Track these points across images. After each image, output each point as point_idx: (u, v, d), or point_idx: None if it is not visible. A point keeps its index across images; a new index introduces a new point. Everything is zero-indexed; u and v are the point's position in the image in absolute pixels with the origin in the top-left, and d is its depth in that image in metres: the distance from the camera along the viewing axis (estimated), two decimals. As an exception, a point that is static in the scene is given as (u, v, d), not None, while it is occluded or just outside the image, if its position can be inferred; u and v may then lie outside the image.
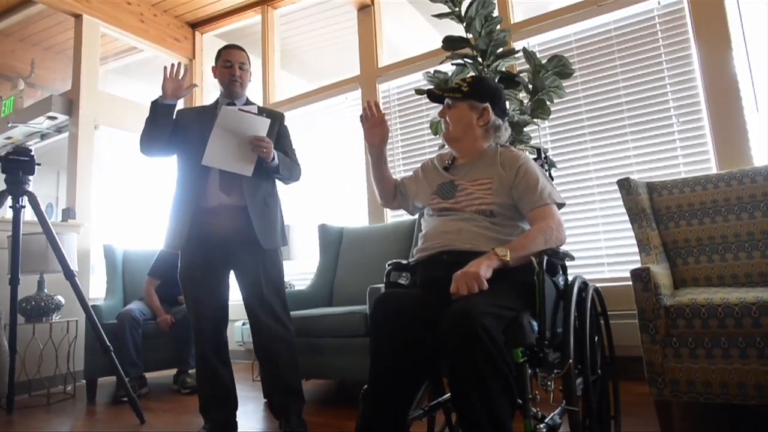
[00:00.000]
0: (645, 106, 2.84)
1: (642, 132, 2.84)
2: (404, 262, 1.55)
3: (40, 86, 5.08)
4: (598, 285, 1.55)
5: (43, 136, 4.27)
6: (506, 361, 1.12)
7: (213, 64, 2.20)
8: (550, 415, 1.25)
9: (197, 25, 4.74)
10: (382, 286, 1.55)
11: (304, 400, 2.09)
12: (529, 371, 1.20)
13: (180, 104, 2.11)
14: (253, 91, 2.27)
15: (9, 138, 4.39)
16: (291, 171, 2.16)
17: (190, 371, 3.10)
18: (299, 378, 2.12)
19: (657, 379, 1.67)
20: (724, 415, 1.91)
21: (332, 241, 3.20)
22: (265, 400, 2.65)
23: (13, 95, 4.49)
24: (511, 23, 3.23)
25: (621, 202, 2.21)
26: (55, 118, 3.93)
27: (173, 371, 3.17)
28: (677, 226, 2.16)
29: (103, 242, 3.58)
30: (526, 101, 2.53)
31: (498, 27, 2.51)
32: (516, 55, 2.58)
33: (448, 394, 1.38)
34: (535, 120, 2.53)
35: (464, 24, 2.49)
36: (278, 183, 2.22)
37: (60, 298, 3.02)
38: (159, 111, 2.00)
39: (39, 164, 2.58)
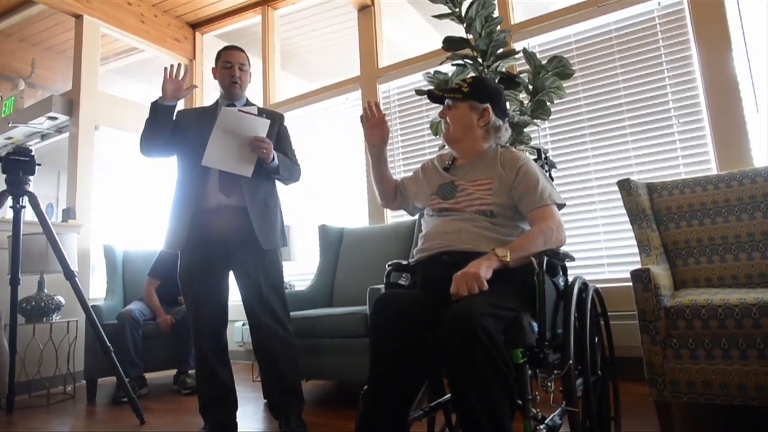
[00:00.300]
0: (645, 106, 2.84)
1: (642, 133, 2.84)
2: (404, 262, 1.55)
3: (41, 86, 5.09)
4: (598, 286, 1.55)
5: (44, 137, 4.27)
6: (506, 361, 1.12)
7: (213, 65, 2.20)
8: (550, 416, 1.25)
9: (197, 25, 4.75)
10: (382, 286, 1.55)
11: (303, 401, 2.09)
12: (529, 372, 1.20)
13: (180, 105, 2.11)
14: (253, 92, 2.28)
15: (9, 138, 4.39)
16: (291, 172, 2.16)
17: (190, 372, 3.10)
18: (299, 378, 2.12)
19: (657, 379, 1.67)
20: (724, 415, 1.91)
21: (332, 242, 3.20)
22: (265, 400, 2.65)
23: (13, 95, 4.49)
24: (511, 24, 3.23)
25: (621, 203, 2.21)
26: (55, 118, 3.94)
27: (173, 372, 3.17)
28: (677, 227, 2.16)
29: (103, 242, 3.58)
30: (526, 102, 2.53)
31: (498, 28, 2.51)
32: (516, 56, 2.58)
33: (448, 395, 1.38)
34: (536, 121, 2.53)
35: (464, 25, 2.49)
36: (278, 184, 2.22)
37: (60, 298, 3.02)
38: (159, 112, 2.00)
39: (39, 164, 2.58)
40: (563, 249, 1.39)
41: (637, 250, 2.10)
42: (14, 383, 2.66)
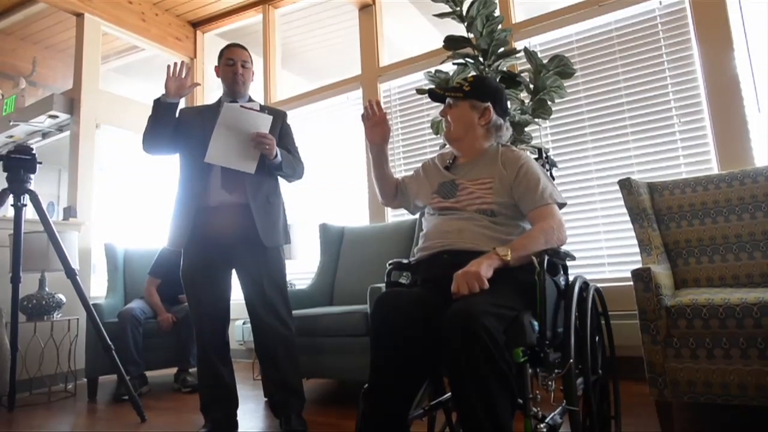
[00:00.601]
0: (646, 106, 2.84)
1: (643, 132, 2.83)
2: (405, 261, 1.55)
3: (42, 85, 5.09)
4: (599, 285, 1.55)
5: (45, 135, 4.27)
6: (507, 360, 1.12)
7: (214, 63, 2.20)
8: (551, 415, 1.24)
9: (198, 24, 4.75)
10: (382, 285, 1.55)
11: (304, 399, 2.09)
12: (530, 371, 1.20)
13: (181, 104, 2.11)
14: (254, 91, 2.28)
15: (10, 136, 4.39)
16: (294, 168, 2.16)
17: (190, 370, 3.10)
18: (300, 377, 2.12)
19: (658, 379, 1.67)
20: (724, 415, 1.91)
21: (333, 241, 3.20)
22: (266, 399, 2.66)
23: (14, 94, 4.49)
24: (512, 23, 3.22)
25: (622, 202, 2.20)
26: (56, 116, 3.94)
27: (174, 370, 3.17)
28: (678, 227, 2.16)
29: (104, 241, 3.58)
30: (527, 101, 2.53)
31: (499, 27, 2.51)
32: (517, 55, 2.58)
33: (449, 394, 1.38)
34: (537, 120, 2.53)
35: (465, 24, 2.49)
36: (281, 181, 2.22)
37: (61, 296, 3.03)
38: (162, 109, 2.00)
39: (40, 163, 2.59)
40: (564, 248, 1.39)
41: (637, 250, 2.10)
42: (15, 381, 2.67)
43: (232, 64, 2.12)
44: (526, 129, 2.51)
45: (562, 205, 1.46)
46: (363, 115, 1.66)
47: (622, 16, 2.95)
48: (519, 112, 2.49)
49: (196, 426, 2.11)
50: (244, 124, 1.97)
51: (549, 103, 2.49)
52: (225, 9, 4.51)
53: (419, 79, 3.47)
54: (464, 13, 2.48)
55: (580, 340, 1.32)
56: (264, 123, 1.99)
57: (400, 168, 3.64)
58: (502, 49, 2.53)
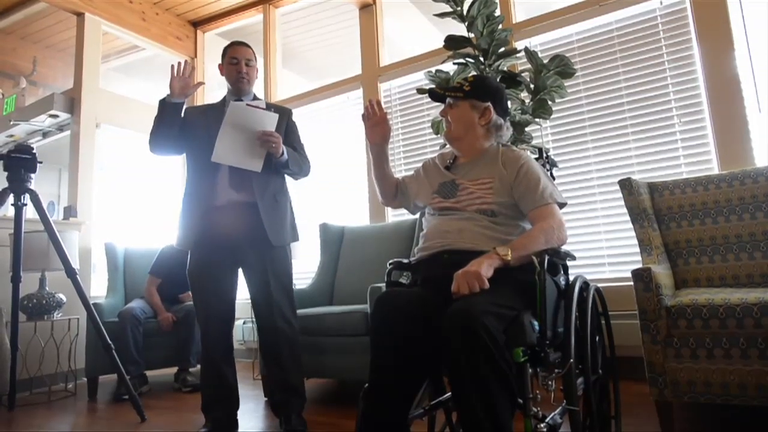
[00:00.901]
0: (647, 106, 2.83)
1: (644, 132, 2.83)
2: (405, 261, 1.55)
3: (42, 84, 5.08)
4: (599, 285, 1.55)
5: (45, 134, 4.27)
6: (507, 360, 1.12)
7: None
8: (551, 415, 1.24)
9: (199, 23, 4.75)
10: (383, 285, 1.55)
11: (305, 399, 2.09)
12: (530, 371, 1.20)
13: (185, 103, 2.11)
14: (255, 90, 2.28)
15: (11, 136, 4.39)
16: (300, 166, 2.16)
17: (191, 369, 3.10)
18: (302, 377, 2.12)
19: (658, 379, 1.67)
20: (724, 415, 1.91)
21: (333, 240, 3.20)
22: (265, 398, 2.66)
23: (14, 93, 4.49)
24: (512, 23, 3.22)
25: (622, 202, 2.20)
26: (56, 116, 3.94)
27: (174, 369, 3.17)
28: (679, 227, 2.16)
29: (104, 240, 3.58)
30: (527, 101, 2.53)
31: (500, 26, 2.51)
32: (518, 55, 2.57)
33: (449, 394, 1.38)
34: (537, 120, 2.53)
35: (466, 23, 2.49)
36: (288, 179, 2.22)
37: (61, 296, 3.03)
38: (167, 110, 2.00)
39: (41, 162, 2.59)
40: (564, 248, 1.39)
41: (638, 250, 2.10)
42: (15, 380, 2.67)
43: (236, 63, 2.12)
44: (527, 129, 2.51)
45: (562, 205, 1.46)
46: (363, 115, 1.66)
47: (622, 16, 2.95)
48: (519, 111, 2.49)
49: (196, 425, 2.11)
50: (250, 122, 1.96)
51: (549, 102, 2.49)
52: (225, 8, 4.51)
53: (420, 78, 3.47)
54: (465, 12, 2.48)
55: (581, 339, 1.32)
56: (270, 121, 1.99)
57: (401, 168, 3.64)
58: (502, 49, 2.53)
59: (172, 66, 1.99)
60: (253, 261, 2.06)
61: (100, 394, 3.00)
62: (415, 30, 4.48)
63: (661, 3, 2.84)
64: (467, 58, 2.54)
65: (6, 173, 2.52)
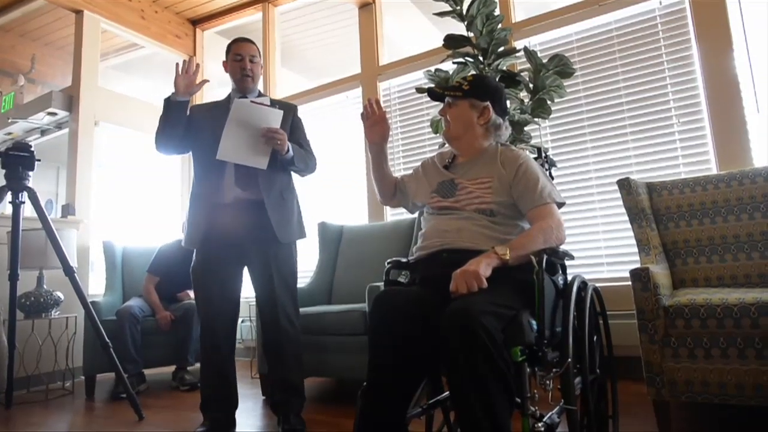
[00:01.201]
0: (645, 106, 2.84)
1: (642, 132, 2.83)
2: (404, 260, 1.55)
3: (40, 82, 5.07)
4: (597, 285, 1.55)
5: (43, 132, 4.26)
6: (505, 359, 1.12)
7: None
8: (549, 414, 1.25)
9: (198, 21, 4.74)
10: (381, 284, 1.55)
11: (304, 399, 2.09)
12: (528, 370, 1.20)
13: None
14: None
15: (9, 134, 4.38)
16: (306, 163, 2.16)
17: (189, 368, 3.10)
18: (302, 376, 2.12)
19: (655, 378, 1.67)
20: (722, 415, 1.91)
21: (332, 239, 3.20)
22: (263, 397, 2.66)
23: (13, 91, 4.48)
24: (512, 22, 3.22)
25: (621, 202, 2.21)
26: (55, 114, 3.93)
27: (172, 368, 3.17)
28: (677, 227, 2.16)
29: (102, 239, 3.58)
30: (526, 100, 2.53)
31: (499, 26, 2.51)
32: (517, 54, 2.58)
33: (447, 393, 1.38)
34: (536, 119, 2.53)
35: (465, 23, 2.49)
36: (294, 176, 2.22)
37: (59, 294, 3.02)
38: (172, 108, 2.00)
39: (39, 160, 2.58)
40: (563, 248, 1.39)
41: (636, 250, 2.10)
42: (13, 379, 2.67)
43: (240, 60, 2.11)
44: (526, 128, 2.51)
45: (561, 205, 1.46)
46: (362, 114, 1.66)
47: (621, 16, 2.95)
48: (518, 111, 2.49)
49: (194, 424, 2.10)
50: (255, 119, 1.96)
51: (548, 102, 2.49)
52: (224, 7, 4.50)
53: (419, 78, 3.47)
54: (464, 12, 2.48)
55: (579, 339, 1.32)
56: (275, 118, 1.98)
57: (400, 167, 3.64)
58: (501, 49, 2.53)
59: (177, 64, 1.99)
60: (259, 259, 2.06)
61: (98, 392, 2.99)
62: (415, 29, 4.48)
63: (660, 3, 2.84)
64: (466, 58, 2.54)
65: (4, 171, 2.51)
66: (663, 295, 1.72)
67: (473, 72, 2.51)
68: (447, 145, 1.65)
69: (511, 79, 2.48)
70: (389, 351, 1.29)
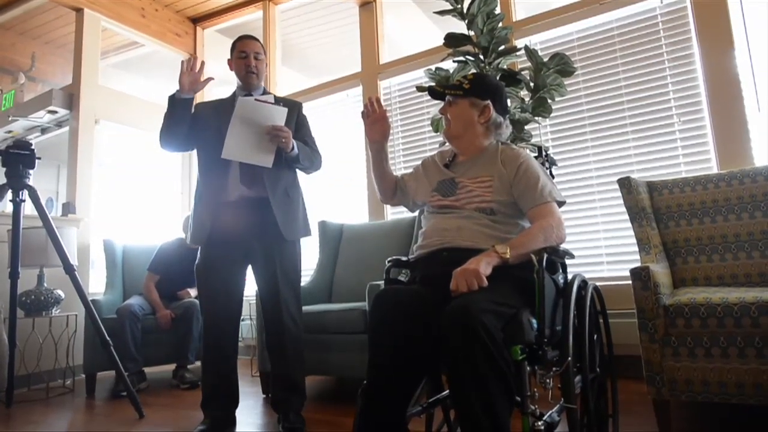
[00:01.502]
0: (646, 105, 2.83)
1: (643, 131, 2.83)
2: (404, 258, 1.55)
3: (41, 80, 5.07)
4: (597, 283, 1.55)
5: (44, 130, 4.27)
6: (505, 358, 1.12)
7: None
8: (548, 413, 1.25)
9: (198, 20, 4.73)
10: (381, 282, 1.55)
11: (305, 397, 2.09)
12: (528, 369, 1.20)
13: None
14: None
15: (9, 132, 4.38)
16: (311, 160, 2.16)
17: (189, 366, 3.10)
18: (303, 374, 2.12)
19: (655, 378, 1.67)
20: (722, 414, 1.91)
21: (332, 238, 3.20)
22: (264, 395, 2.66)
23: (13, 89, 4.48)
24: (513, 21, 3.22)
25: (621, 201, 2.20)
26: (55, 112, 3.93)
27: (172, 366, 3.17)
28: (677, 226, 2.16)
29: (103, 237, 3.58)
30: (527, 99, 2.53)
31: (500, 24, 2.50)
32: (518, 53, 2.57)
33: (447, 391, 1.38)
34: (537, 118, 2.52)
35: (466, 21, 2.48)
36: (300, 173, 2.21)
37: (60, 292, 3.03)
38: (176, 105, 1.99)
39: (39, 158, 2.58)
40: (563, 246, 1.39)
41: (636, 249, 2.10)
42: (13, 377, 2.67)
43: (245, 57, 2.11)
44: (526, 127, 2.50)
45: (561, 204, 1.46)
46: (363, 113, 1.66)
47: (622, 15, 2.94)
48: (519, 110, 2.48)
49: (194, 422, 2.10)
50: (260, 117, 1.95)
51: (549, 101, 2.48)
52: (225, 5, 4.50)
53: (419, 76, 3.46)
54: (465, 10, 2.47)
55: (579, 338, 1.32)
56: (279, 115, 1.98)
57: (400, 165, 3.63)
58: (502, 47, 2.53)
59: (183, 62, 1.99)
60: (263, 256, 2.05)
61: (98, 390, 3.00)
62: (415, 27, 4.48)
63: (661, 2, 2.84)
64: (467, 56, 2.53)
65: (4, 169, 2.52)
66: (663, 294, 1.72)
67: (474, 71, 2.50)
68: (447, 143, 1.65)
69: (511, 77, 2.48)
70: (389, 350, 1.29)
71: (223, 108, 2.08)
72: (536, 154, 1.69)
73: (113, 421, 2.38)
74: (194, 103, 2.07)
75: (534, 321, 1.22)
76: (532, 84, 2.48)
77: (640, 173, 2.77)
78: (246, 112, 1.95)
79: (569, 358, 1.23)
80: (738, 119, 2.55)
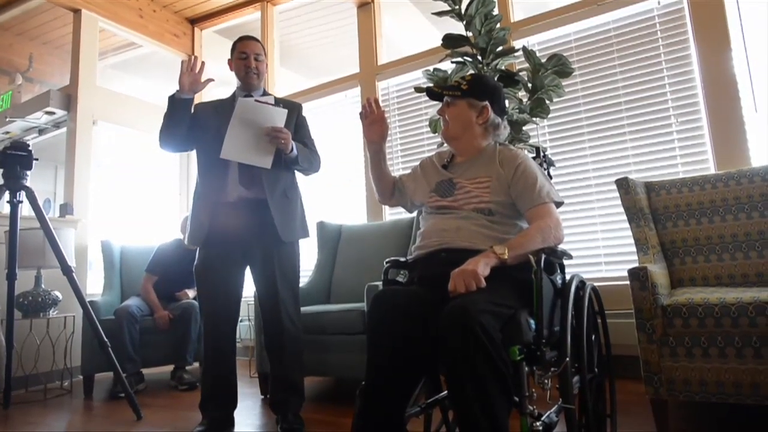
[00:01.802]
0: (644, 105, 2.84)
1: (641, 132, 2.84)
2: (402, 259, 1.55)
3: (38, 81, 5.06)
4: (595, 284, 1.55)
5: (41, 131, 4.26)
6: (503, 359, 1.12)
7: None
8: (547, 413, 1.25)
9: (196, 20, 4.73)
10: (380, 283, 1.55)
11: (304, 398, 2.09)
12: (526, 369, 1.20)
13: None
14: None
15: (7, 133, 4.38)
16: (310, 162, 2.16)
17: (187, 367, 3.10)
18: (302, 375, 2.12)
19: (653, 377, 1.68)
20: (719, 414, 1.92)
21: (330, 239, 3.20)
22: (262, 396, 2.66)
23: (10, 90, 4.47)
24: (510, 22, 3.23)
25: (619, 202, 2.21)
26: (53, 113, 3.92)
27: (170, 367, 3.17)
28: (675, 226, 2.17)
29: (100, 238, 3.57)
30: (525, 100, 2.53)
31: (498, 25, 2.51)
32: (516, 54, 2.58)
33: (445, 392, 1.38)
34: (534, 119, 2.53)
35: (464, 22, 2.49)
36: (298, 175, 2.21)
37: (57, 293, 3.02)
38: (176, 105, 1.99)
39: (37, 159, 2.57)
40: (561, 247, 1.39)
41: (634, 249, 2.10)
42: (11, 378, 2.66)
43: (245, 58, 2.11)
44: (524, 128, 2.51)
45: (559, 204, 1.47)
46: (361, 113, 1.66)
47: (620, 16, 2.95)
48: (517, 110, 2.49)
49: (192, 423, 2.10)
50: (259, 118, 1.95)
51: (547, 102, 2.49)
52: (223, 6, 4.49)
53: (417, 77, 3.47)
54: (463, 11, 2.48)
55: (577, 338, 1.32)
56: (279, 117, 1.98)
57: (398, 166, 3.64)
58: (500, 48, 2.53)
59: (183, 62, 1.99)
60: (262, 257, 2.05)
61: (96, 391, 2.99)
62: (413, 28, 4.48)
63: (658, 3, 2.85)
64: (465, 57, 2.54)
65: (1, 170, 2.51)
66: (661, 295, 1.72)
67: (472, 71, 2.51)
68: (445, 144, 1.65)
69: (509, 78, 2.49)
70: (388, 350, 1.29)
71: (223, 108, 2.08)
72: (534, 155, 1.69)
73: (111, 422, 2.38)
74: (194, 104, 2.07)
75: (532, 321, 1.22)
76: (530, 85, 2.48)
77: (637, 174, 2.78)
78: (246, 112, 1.95)
79: (567, 359, 1.23)
80: (735, 120, 2.56)
